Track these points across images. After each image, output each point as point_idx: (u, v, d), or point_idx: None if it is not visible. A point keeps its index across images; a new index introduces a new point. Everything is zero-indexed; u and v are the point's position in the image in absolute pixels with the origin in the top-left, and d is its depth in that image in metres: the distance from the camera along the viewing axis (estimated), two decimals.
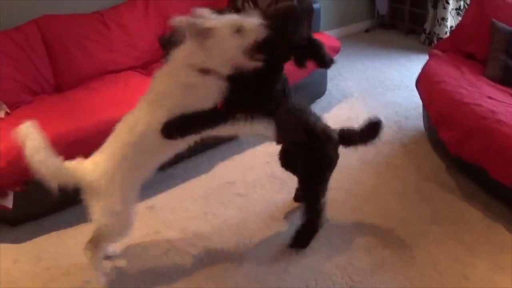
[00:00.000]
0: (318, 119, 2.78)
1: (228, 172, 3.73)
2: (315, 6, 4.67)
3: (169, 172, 3.73)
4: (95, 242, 2.63)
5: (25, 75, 3.77)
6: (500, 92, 3.62)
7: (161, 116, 2.40)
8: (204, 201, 3.45)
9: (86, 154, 3.15)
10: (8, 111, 3.49)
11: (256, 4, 4.56)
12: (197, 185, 3.60)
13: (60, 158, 2.42)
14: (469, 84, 3.68)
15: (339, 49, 4.59)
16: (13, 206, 3.13)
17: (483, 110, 3.31)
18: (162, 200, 3.48)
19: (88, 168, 2.47)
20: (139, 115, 2.45)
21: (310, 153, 2.77)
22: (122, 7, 4.31)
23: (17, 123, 2.41)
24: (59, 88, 3.93)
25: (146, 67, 4.27)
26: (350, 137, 2.88)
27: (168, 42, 4.31)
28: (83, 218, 2.56)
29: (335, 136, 2.83)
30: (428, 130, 4.07)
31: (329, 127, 2.82)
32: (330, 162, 2.84)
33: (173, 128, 2.42)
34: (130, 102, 3.46)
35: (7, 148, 2.99)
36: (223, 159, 3.87)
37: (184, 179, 3.68)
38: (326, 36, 4.68)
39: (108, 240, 2.66)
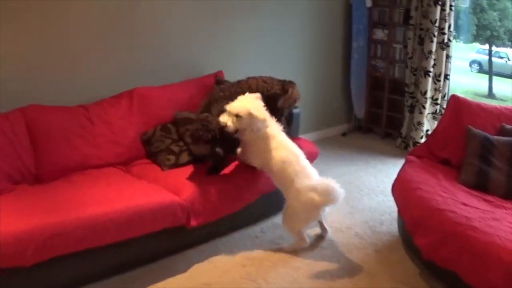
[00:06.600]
0: None
1: (205, 273, 3.72)
2: (295, 111, 4.79)
3: (146, 269, 3.72)
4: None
5: (8, 163, 3.76)
6: (474, 198, 3.72)
7: None
8: None
9: (64, 249, 3.18)
10: None
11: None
12: (174, 285, 3.58)
13: None
14: (444, 190, 3.76)
15: (317, 155, 4.68)
16: None
17: (457, 216, 3.39)
18: None
19: None
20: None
21: None
22: (106, 103, 4.35)
23: None
24: (40, 178, 3.91)
25: (127, 163, 4.31)
26: None
27: (149, 140, 4.40)
28: None
29: None
30: (402, 235, 4.12)
31: None
32: None
33: None
34: (110, 201, 3.52)
35: None
36: (200, 260, 3.86)
37: (161, 277, 3.64)
38: (304, 142, 4.73)
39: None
